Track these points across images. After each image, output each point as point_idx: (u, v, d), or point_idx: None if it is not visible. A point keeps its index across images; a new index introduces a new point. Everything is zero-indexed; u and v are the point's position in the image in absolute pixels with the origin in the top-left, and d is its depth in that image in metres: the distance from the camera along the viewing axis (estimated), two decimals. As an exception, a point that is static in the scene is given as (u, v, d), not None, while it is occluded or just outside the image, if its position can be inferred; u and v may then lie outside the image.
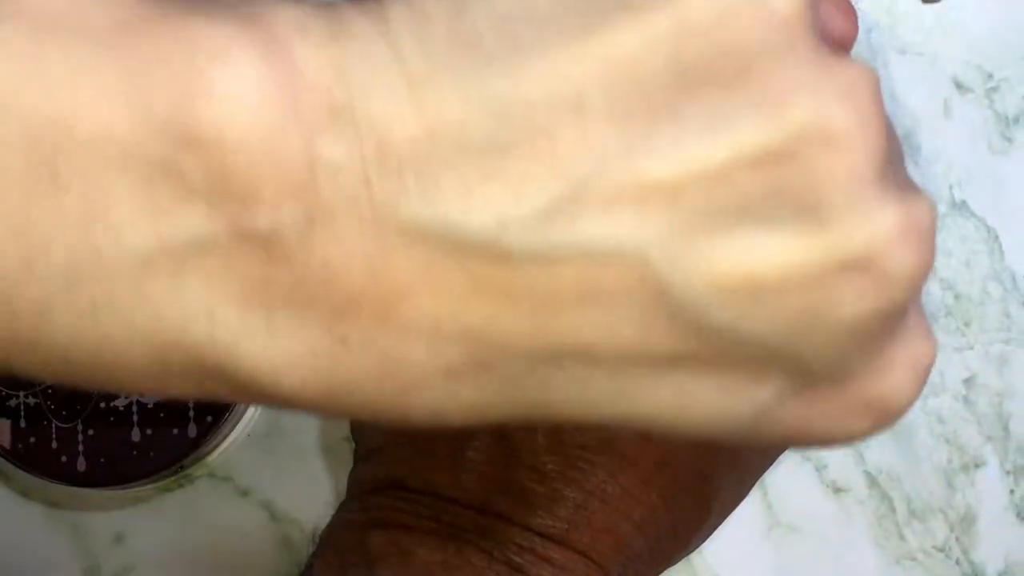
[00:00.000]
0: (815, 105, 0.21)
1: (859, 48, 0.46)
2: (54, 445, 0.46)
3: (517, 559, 0.38)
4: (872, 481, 0.47)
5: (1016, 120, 0.48)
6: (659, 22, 0.20)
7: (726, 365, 0.22)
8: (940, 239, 0.47)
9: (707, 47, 0.21)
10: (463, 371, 0.21)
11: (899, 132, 0.47)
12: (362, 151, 0.20)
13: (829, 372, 0.23)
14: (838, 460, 0.47)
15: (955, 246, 0.48)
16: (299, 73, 0.20)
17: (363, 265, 0.20)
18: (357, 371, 0.21)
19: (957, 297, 0.48)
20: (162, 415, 0.45)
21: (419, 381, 0.21)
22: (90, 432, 0.46)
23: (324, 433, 0.48)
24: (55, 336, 0.20)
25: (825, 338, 0.22)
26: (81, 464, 0.46)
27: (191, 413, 0.45)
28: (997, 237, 0.48)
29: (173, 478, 0.47)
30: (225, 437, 0.47)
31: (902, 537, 0.48)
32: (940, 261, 0.47)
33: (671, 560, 0.42)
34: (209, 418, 0.46)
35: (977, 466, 0.48)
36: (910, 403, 0.24)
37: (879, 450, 0.47)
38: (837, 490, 0.47)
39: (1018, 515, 0.48)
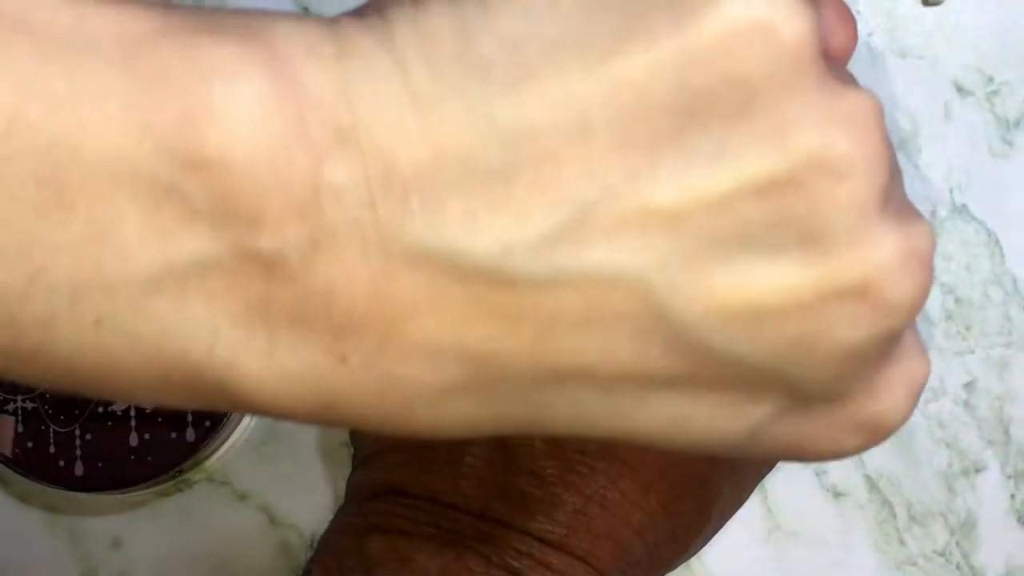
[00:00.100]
0: (819, 135, 0.21)
1: (859, 52, 0.46)
2: (52, 449, 0.46)
3: (516, 564, 0.38)
4: (872, 485, 0.47)
5: (1017, 124, 0.48)
6: (666, 48, 0.20)
7: (723, 386, 0.22)
8: (940, 243, 0.47)
9: (714, 75, 0.20)
10: (463, 390, 0.21)
11: (899, 136, 0.47)
12: (367, 174, 0.20)
13: (824, 394, 0.23)
14: (838, 464, 0.47)
15: (955, 250, 0.47)
16: (305, 94, 0.20)
17: (366, 287, 0.20)
18: (357, 388, 0.21)
19: (958, 301, 0.47)
20: (160, 419, 0.45)
21: (419, 398, 0.21)
22: (88, 436, 0.46)
23: (323, 438, 0.48)
24: (58, 348, 0.20)
25: (822, 362, 0.22)
26: (79, 468, 0.46)
27: (189, 418, 0.45)
28: (998, 241, 0.48)
29: (171, 483, 0.47)
30: (223, 442, 0.47)
31: (902, 542, 0.47)
32: (940, 265, 0.47)
33: (671, 565, 0.41)
34: (207, 423, 0.45)
35: (978, 470, 0.48)
36: (903, 421, 0.24)
37: (879, 454, 0.47)
38: (837, 494, 0.47)
39: (1019, 520, 0.48)
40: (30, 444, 0.46)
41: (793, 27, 0.21)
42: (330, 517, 0.42)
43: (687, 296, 0.21)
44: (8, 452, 0.46)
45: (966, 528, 0.47)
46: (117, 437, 0.46)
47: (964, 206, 0.48)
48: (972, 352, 0.48)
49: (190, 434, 0.46)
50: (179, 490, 0.48)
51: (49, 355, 0.20)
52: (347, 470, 0.43)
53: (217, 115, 0.20)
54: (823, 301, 0.21)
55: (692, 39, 0.20)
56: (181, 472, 0.46)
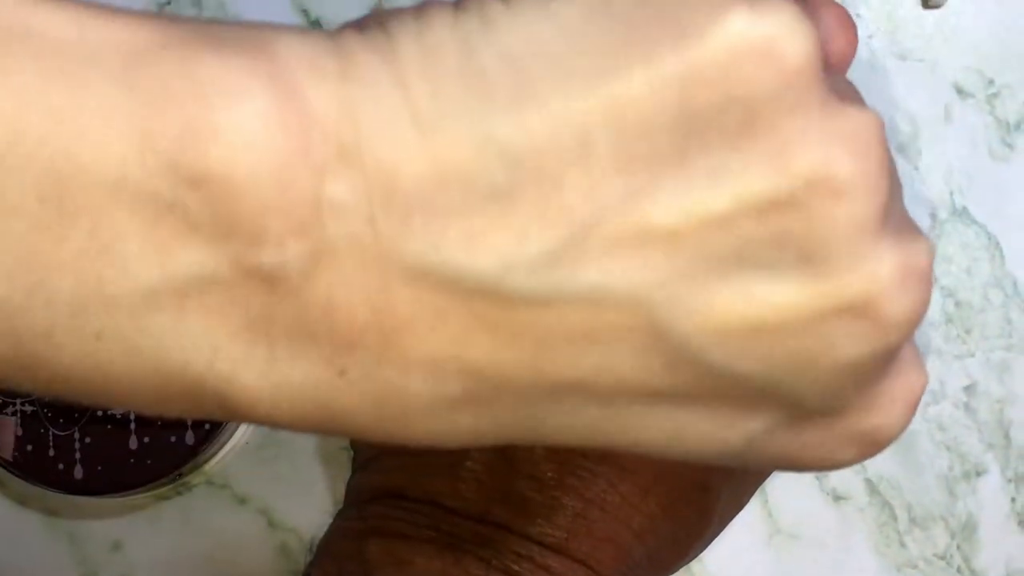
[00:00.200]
0: (820, 155, 0.21)
1: (860, 54, 0.46)
2: (51, 453, 0.46)
3: (516, 568, 0.38)
4: (873, 489, 0.47)
5: (1017, 126, 0.48)
6: (668, 67, 0.20)
7: (720, 399, 0.22)
8: (941, 246, 0.47)
9: (716, 94, 0.20)
10: (462, 403, 0.22)
11: (900, 138, 0.47)
12: (369, 192, 0.20)
13: (822, 408, 0.23)
14: (839, 467, 0.47)
15: (956, 253, 0.47)
16: (307, 110, 0.20)
17: (365, 302, 0.20)
18: (355, 401, 0.21)
19: (958, 304, 0.47)
20: (160, 423, 0.45)
21: (418, 411, 0.21)
22: (87, 440, 0.46)
23: (322, 442, 0.48)
24: (58, 359, 0.20)
25: (820, 378, 0.22)
26: (79, 472, 0.46)
27: (189, 421, 0.45)
28: (998, 243, 0.48)
29: (171, 486, 0.47)
30: (223, 445, 0.47)
31: (903, 545, 0.47)
32: (941, 268, 0.47)
33: (670, 569, 0.41)
34: (207, 426, 0.45)
35: (978, 474, 0.48)
36: (900, 433, 0.24)
37: (880, 458, 0.47)
38: (838, 498, 0.47)
39: (1019, 523, 0.47)
40: (29, 447, 0.46)
41: (796, 46, 0.21)
42: (329, 520, 0.42)
43: (686, 313, 0.21)
44: (8, 455, 0.46)
45: (967, 531, 0.47)
46: (117, 440, 0.46)
47: (964, 209, 0.48)
48: (972, 355, 0.47)
49: (189, 437, 0.46)
50: (179, 493, 0.48)
51: (49, 366, 0.20)
52: (346, 473, 0.43)
53: (219, 131, 0.20)
54: (822, 318, 0.21)
55: (695, 58, 0.20)
56: (181, 475, 0.46)
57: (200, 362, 0.20)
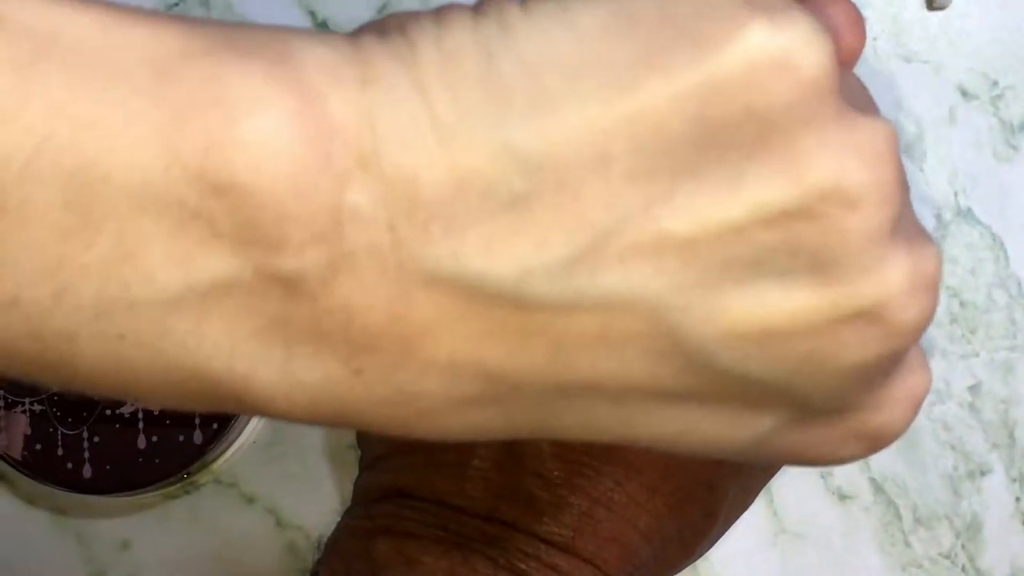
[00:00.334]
0: (835, 167, 0.21)
1: (864, 56, 0.46)
2: (60, 452, 0.46)
3: (522, 566, 0.38)
4: (878, 488, 0.47)
5: (1021, 127, 0.48)
6: (686, 81, 0.21)
7: (729, 399, 0.23)
8: (946, 247, 0.47)
9: (733, 107, 0.21)
10: (477, 403, 0.22)
11: (904, 140, 0.47)
12: (388, 200, 0.20)
13: (828, 408, 0.23)
14: (843, 467, 0.47)
15: (960, 253, 0.47)
16: (329, 120, 0.20)
17: (384, 308, 0.21)
18: (371, 400, 0.22)
19: (962, 304, 0.48)
20: (168, 422, 0.45)
21: (431, 410, 0.22)
22: (96, 439, 0.46)
23: (330, 440, 0.48)
24: (81, 359, 0.21)
25: (828, 379, 0.22)
26: (87, 471, 0.46)
27: (197, 420, 0.45)
28: (1002, 244, 0.48)
29: (179, 485, 0.47)
30: (231, 444, 0.47)
31: (908, 544, 0.47)
32: (946, 268, 0.47)
33: (676, 568, 0.41)
34: (215, 425, 0.46)
35: (983, 473, 0.48)
36: (903, 432, 0.25)
37: (884, 457, 0.47)
38: (843, 497, 0.47)
39: (1024, 522, 0.48)
40: (38, 446, 0.46)
41: (813, 59, 0.21)
42: (337, 519, 0.42)
43: (700, 319, 0.21)
44: (17, 454, 0.46)
45: (971, 531, 0.47)
46: (125, 439, 0.46)
47: (969, 210, 0.48)
48: (977, 355, 0.48)
49: (198, 436, 0.46)
50: (187, 492, 0.48)
51: (72, 365, 0.21)
52: (354, 472, 0.43)
53: (243, 141, 0.20)
54: (833, 324, 0.22)
55: (713, 72, 0.20)
56: (189, 474, 0.46)
57: (219, 362, 0.21)
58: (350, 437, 0.47)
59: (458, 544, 0.38)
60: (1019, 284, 0.48)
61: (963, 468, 0.47)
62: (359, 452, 0.44)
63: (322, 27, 0.47)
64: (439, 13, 0.21)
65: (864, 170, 0.21)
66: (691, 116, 0.21)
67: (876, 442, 0.25)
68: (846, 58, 0.25)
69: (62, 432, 0.46)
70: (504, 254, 0.21)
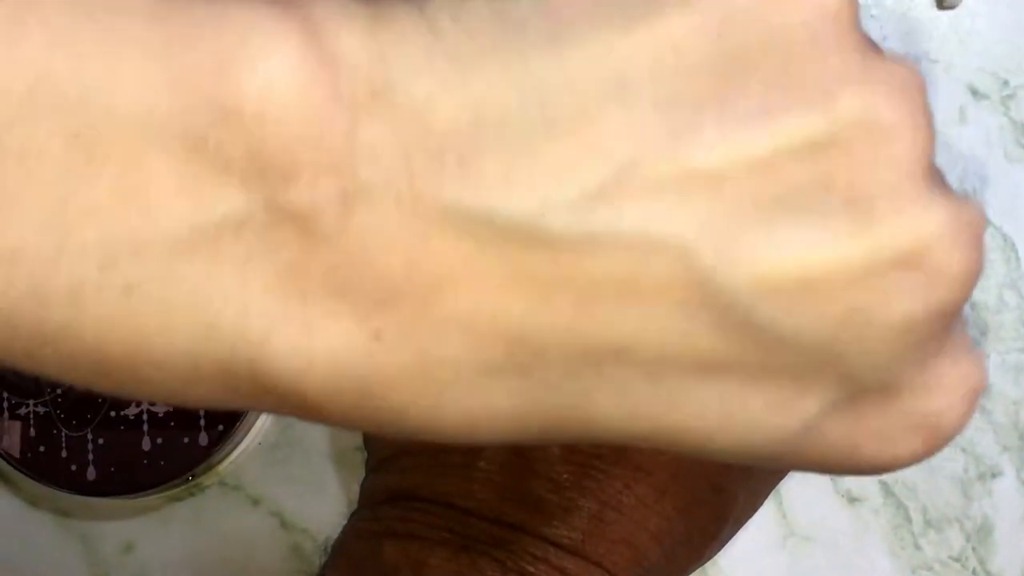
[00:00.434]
0: (864, 98, 0.21)
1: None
2: (64, 454, 0.46)
3: (531, 569, 0.38)
4: (887, 490, 0.47)
5: (1032, 127, 0.48)
6: (706, 9, 0.20)
7: (772, 373, 0.21)
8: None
9: (754, 37, 0.20)
10: (500, 371, 0.21)
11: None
12: (403, 131, 0.20)
13: (878, 380, 0.22)
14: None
15: (971, 254, 0.47)
16: (339, 54, 0.20)
17: (401, 251, 0.20)
18: (391, 370, 0.20)
19: (973, 306, 0.47)
20: (173, 423, 0.45)
21: (455, 382, 0.21)
22: (100, 441, 0.46)
23: (336, 442, 0.47)
24: (86, 327, 0.20)
25: (874, 340, 0.21)
26: (91, 473, 0.46)
27: (202, 422, 0.45)
28: (1013, 245, 0.48)
29: (183, 487, 0.47)
30: (236, 446, 0.47)
31: (918, 547, 0.47)
32: (956, 269, 0.47)
33: (686, 570, 0.41)
34: (220, 427, 0.45)
35: (994, 476, 0.47)
36: (960, 426, 0.23)
37: (894, 459, 0.47)
38: (852, 499, 0.47)
39: (1035, 525, 0.47)
40: (42, 448, 0.46)
41: None
42: (343, 522, 0.42)
43: (731, 263, 0.20)
44: (19, 455, 0.46)
45: (982, 533, 0.47)
46: (129, 441, 0.46)
47: (979, 210, 0.48)
48: (987, 357, 0.47)
49: (202, 438, 0.46)
50: (191, 495, 0.48)
51: (76, 334, 0.20)
52: (360, 474, 0.43)
53: (251, 65, 0.19)
54: (873, 268, 0.21)
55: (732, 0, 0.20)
56: (193, 476, 0.46)
57: (232, 320, 0.20)
58: (356, 439, 0.47)
59: (465, 547, 0.38)
60: (1030, 285, 0.48)
61: (974, 470, 0.47)
62: (365, 454, 0.44)
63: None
64: None
65: (894, 105, 0.21)
66: (712, 44, 0.20)
67: (934, 435, 0.23)
68: None
69: (66, 434, 0.46)
70: (523, 186, 0.20)
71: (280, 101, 0.19)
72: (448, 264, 0.20)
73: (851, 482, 0.47)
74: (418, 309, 0.20)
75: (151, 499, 0.47)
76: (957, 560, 0.47)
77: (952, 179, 0.47)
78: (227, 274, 0.20)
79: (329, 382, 0.20)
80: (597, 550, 0.38)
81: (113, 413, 0.45)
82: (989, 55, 0.48)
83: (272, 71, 0.19)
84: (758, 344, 0.21)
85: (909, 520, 0.47)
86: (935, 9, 0.48)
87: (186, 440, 0.45)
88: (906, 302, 0.21)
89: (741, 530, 0.43)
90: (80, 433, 0.46)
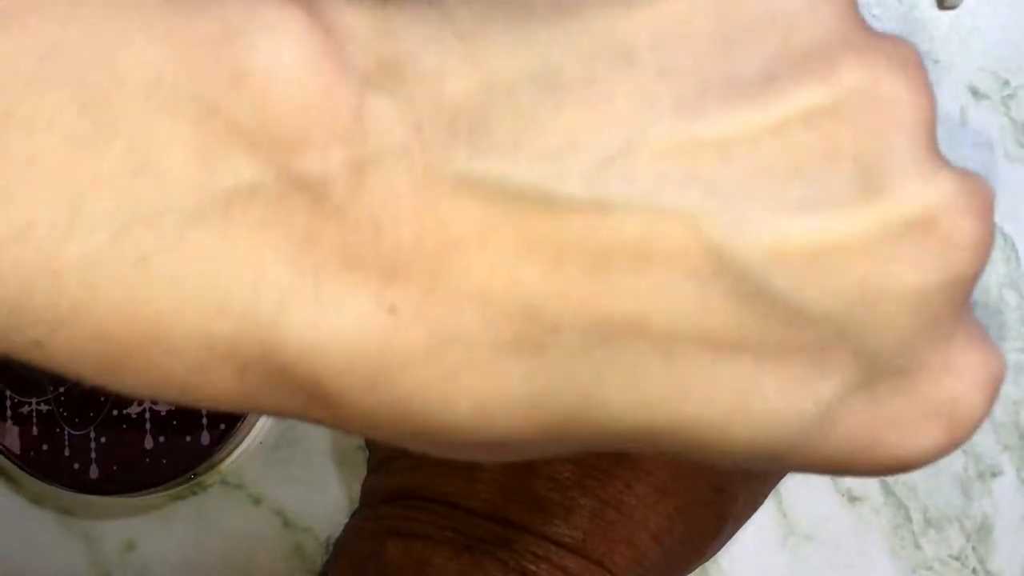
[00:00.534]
0: (865, 69, 0.21)
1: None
2: (66, 452, 0.46)
3: (532, 568, 0.38)
4: (888, 490, 0.47)
5: (1033, 127, 0.48)
6: None
7: (786, 352, 0.21)
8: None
9: (755, 12, 0.21)
10: (514, 350, 0.20)
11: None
12: (412, 102, 0.20)
13: (894, 358, 0.22)
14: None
15: (971, 254, 0.47)
16: (345, 29, 0.20)
17: (413, 219, 0.20)
18: (406, 348, 0.20)
19: (973, 305, 0.47)
20: (175, 422, 0.45)
21: (469, 362, 0.20)
22: (102, 439, 0.46)
23: (337, 442, 0.48)
24: (99, 306, 0.19)
25: (888, 310, 0.21)
26: (93, 471, 0.46)
27: (204, 420, 0.45)
28: (1013, 245, 0.48)
29: (186, 486, 0.47)
30: (238, 445, 0.47)
31: (918, 546, 0.47)
32: (956, 269, 0.47)
33: (686, 570, 0.41)
34: (222, 426, 0.45)
35: (994, 475, 0.47)
36: (980, 415, 0.23)
37: (895, 459, 0.47)
38: (853, 499, 0.47)
39: (1034, 524, 0.48)
40: (45, 446, 0.46)
41: None
42: (345, 521, 0.42)
43: (741, 231, 0.20)
44: (21, 453, 0.46)
45: (982, 532, 0.47)
46: (132, 440, 0.46)
47: (980, 210, 0.48)
48: (988, 356, 0.47)
49: (205, 437, 0.46)
50: (193, 493, 0.48)
51: (89, 314, 0.19)
52: (362, 473, 0.43)
53: (258, 35, 0.19)
54: (883, 237, 0.21)
55: None
56: (195, 475, 0.46)
57: (245, 294, 0.20)
58: (357, 439, 0.47)
59: (468, 546, 0.38)
60: (1030, 285, 0.48)
61: (974, 469, 0.47)
62: (367, 453, 0.44)
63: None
64: None
65: (894, 74, 0.21)
66: (713, 19, 0.21)
67: (952, 422, 0.23)
68: None
69: (69, 432, 0.46)
70: (534, 152, 0.20)
71: (288, 71, 0.19)
72: (460, 230, 0.20)
73: (851, 481, 0.47)
74: (431, 280, 0.20)
75: (153, 498, 0.47)
76: (957, 559, 0.47)
77: (953, 179, 0.47)
78: (239, 244, 0.20)
79: (342, 361, 0.20)
80: (598, 549, 0.38)
81: (116, 412, 0.45)
82: (990, 55, 0.48)
83: (279, 41, 0.19)
84: (771, 317, 0.21)
85: (909, 519, 0.47)
86: (936, 9, 0.48)
87: (188, 439, 0.46)
88: (918, 270, 0.21)
89: (741, 529, 0.43)
90: (83, 432, 0.46)
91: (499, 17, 0.21)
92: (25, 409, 0.46)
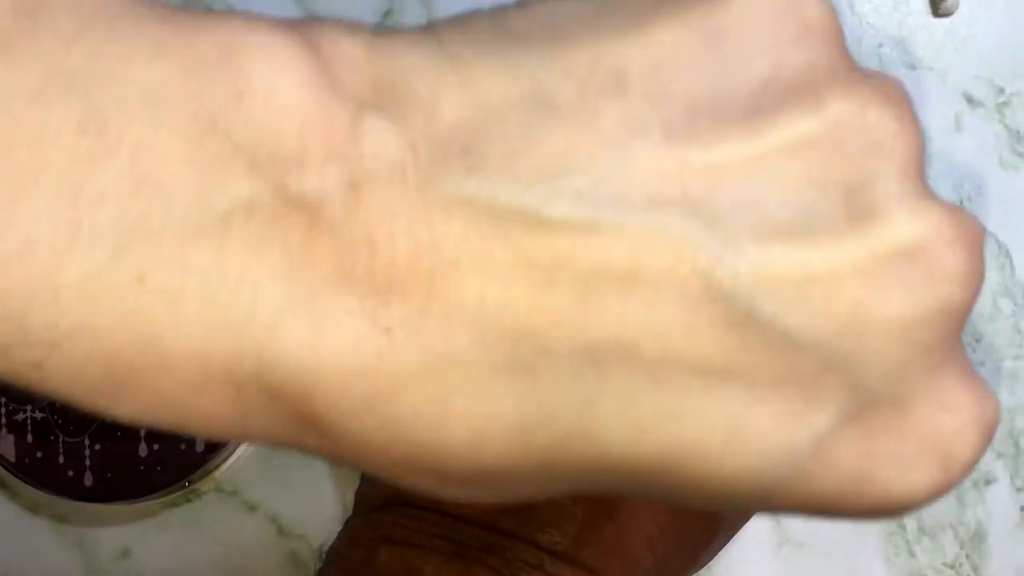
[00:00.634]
0: (853, 101, 0.21)
1: (870, 63, 0.46)
2: (61, 460, 0.46)
3: (524, 576, 0.38)
4: (882, 497, 0.47)
5: (1027, 135, 0.48)
6: (695, 19, 0.21)
7: (778, 382, 0.21)
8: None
9: (743, 43, 0.21)
10: (506, 372, 0.20)
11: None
12: (406, 122, 0.20)
13: (886, 389, 0.22)
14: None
15: (965, 261, 0.47)
16: (340, 52, 0.20)
17: (407, 237, 0.20)
18: (401, 369, 0.20)
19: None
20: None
21: (462, 384, 0.20)
22: (97, 447, 0.46)
23: (331, 448, 0.48)
24: (99, 323, 0.19)
25: (877, 339, 0.21)
26: (88, 479, 0.46)
27: (198, 428, 0.45)
28: (1008, 252, 0.48)
29: (180, 493, 0.47)
30: (232, 452, 0.47)
31: (912, 554, 0.47)
32: (950, 276, 0.47)
33: (679, 578, 0.41)
34: (216, 433, 0.45)
35: (987, 482, 0.47)
36: (975, 455, 0.22)
37: (889, 466, 0.47)
38: (847, 506, 0.47)
39: (1029, 532, 0.47)
40: (39, 454, 0.46)
41: (818, 7, 0.22)
42: (339, 528, 0.42)
43: (730, 255, 0.20)
44: (16, 461, 0.46)
45: (976, 540, 0.47)
46: (126, 448, 0.46)
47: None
48: (982, 364, 0.47)
49: (199, 444, 0.46)
50: (188, 500, 0.48)
51: (89, 332, 0.19)
52: (355, 481, 0.43)
53: (255, 55, 0.20)
54: (874, 265, 0.21)
55: (719, 12, 0.21)
56: (190, 483, 0.46)
57: (241, 313, 0.20)
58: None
59: (459, 553, 0.38)
60: (1024, 292, 0.48)
61: (967, 477, 0.47)
62: (361, 460, 0.44)
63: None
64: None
65: (882, 105, 0.21)
66: (701, 49, 0.21)
67: (946, 460, 0.22)
68: None
69: (63, 440, 0.46)
70: (525, 172, 0.20)
71: (284, 90, 0.20)
72: (453, 249, 0.20)
73: (846, 489, 0.47)
74: (425, 299, 0.20)
75: (148, 505, 0.47)
76: (951, 567, 0.47)
77: (947, 186, 0.47)
78: (236, 260, 0.20)
79: (337, 382, 0.20)
80: (590, 556, 0.38)
81: (110, 419, 0.45)
82: (984, 62, 0.48)
83: (276, 62, 0.20)
84: (761, 344, 0.21)
85: (903, 527, 0.47)
86: (931, 16, 0.48)
87: (183, 446, 0.46)
88: (907, 299, 0.21)
89: (735, 537, 0.43)
90: (77, 439, 0.46)
91: (492, 43, 0.21)
92: (20, 416, 0.46)
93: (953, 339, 0.22)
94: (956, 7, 0.48)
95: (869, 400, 0.22)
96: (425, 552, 0.38)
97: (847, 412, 0.22)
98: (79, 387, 0.20)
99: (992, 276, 0.48)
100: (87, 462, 0.46)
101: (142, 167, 0.19)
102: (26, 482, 0.46)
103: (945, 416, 0.22)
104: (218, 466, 0.47)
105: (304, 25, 0.21)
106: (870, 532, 0.47)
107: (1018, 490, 0.47)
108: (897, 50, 0.47)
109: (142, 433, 0.45)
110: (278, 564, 0.48)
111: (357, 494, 0.42)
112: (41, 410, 0.46)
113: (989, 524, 0.47)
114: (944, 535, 0.47)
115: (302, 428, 0.21)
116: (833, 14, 0.22)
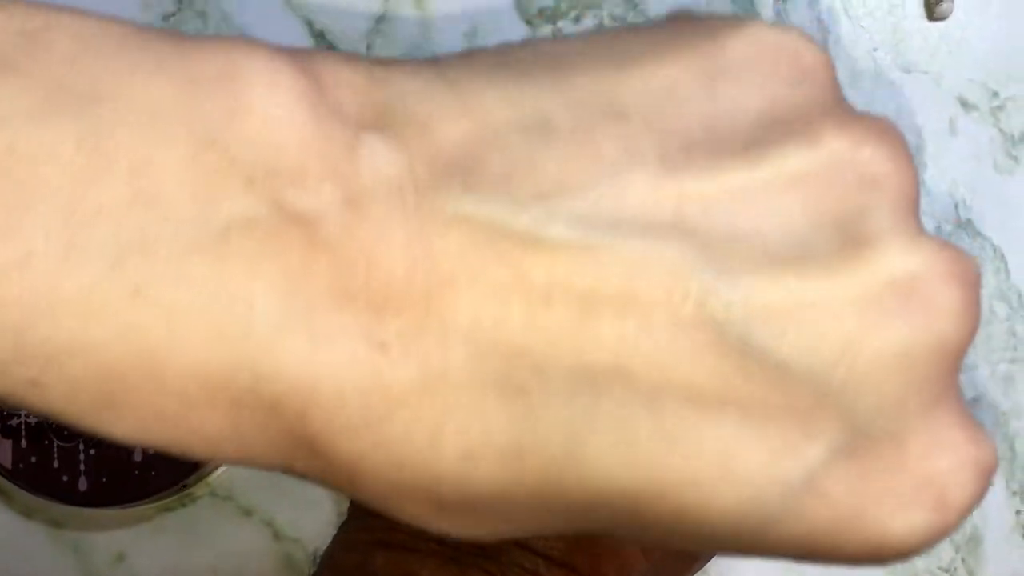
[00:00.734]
0: (847, 139, 0.21)
1: (865, 67, 0.46)
2: (56, 464, 0.46)
3: (520, 580, 0.38)
4: (877, 501, 0.47)
5: (1022, 139, 0.48)
6: (696, 57, 0.22)
7: (772, 414, 0.21)
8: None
9: (741, 83, 0.21)
10: (501, 391, 0.20)
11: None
12: (405, 142, 0.20)
13: (880, 421, 0.21)
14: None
15: (961, 265, 0.47)
16: (339, 77, 0.20)
17: (404, 255, 0.20)
18: (395, 388, 0.20)
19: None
20: (164, 434, 0.45)
21: (456, 403, 0.20)
22: (92, 451, 0.46)
23: (327, 453, 0.48)
24: (95, 338, 0.19)
25: (871, 372, 0.21)
26: (83, 484, 0.46)
27: (193, 432, 0.45)
28: (1003, 256, 0.48)
29: (175, 497, 0.47)
30: (227, 456, 0.47)
31: (908, 558, 0.47)
32: (945, 280, 0.47)
33: (675, 582, 0.42)
34: (211, 437, 0.45)
35: (983, 487, 0.48)
36: (972, 499, 0.22)
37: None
38: (842, 510, 0.47)
39: (1024, 536, 0.47)
40: (34, 459, 0.46)
41: (813, 50, 0.22)
42: (333, 532, 0.42)
43: (724, 282, 0.20)
44: (11, 467, 0.46)
45: (971, 544, 0.47)
46: (121, 452, 0.46)
47: (969, 221, 0.48)
48: (977, 367, 0.47)
49: (194, 449, 0.46)
50: (183, 505, 0.48)
51: (85, 348, 0.19)
52: (351, 485, 0.43)
53: (257, 72, 0.20)
54: (867, 297, 0.21)
55: (716, 52, 0.22)
56: (185, 487, 0.46)
57: (238, 328, 0.20)
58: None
59: (455, 558, 0.38)
60: (1019, 296, 0.48)
61: (964, 521, 0.47)
62: (356, 465, 0.44)
63: (319, 37, 0.47)
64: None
65: (875, 142, 0.22)
66: (702, 79, 0.21)
67: (944, 502, 0.22)
68: None
69: (58, 445, 0.46)
70: (523, 191, 0.20)
71: (283, 108, 0.20)
72: (450, 267, 0.20)
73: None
74: (421, 316, 0.20)
75: (143, 509, 0.47)
76: (947, 571, 0.47)
77: (942, 190, 0.47)
78: (233, 275, 0.20)
79: (332, 399, 0.20)
80: (585, 561, 0.38)
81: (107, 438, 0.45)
82: (979, 66, 0.48)
83: (275, 82, 0.20)
84: (754, 373, 0.21)
85: (899, 531, 0.47)
86: (926, 20, 0.48)
87: (178, 451, 0.46)
88: (900, 331, 0.21)
89: (731, 541, 0.43)
90: (72, 444, 0.46)
91: (493, 72, 0.21)
92: (14, 422, 0.46)
93: (948, 378, 0.22)
94: (951, 11, 0.48)
95: (863, 434, 0.22)
96: (421, 556, 0.38)
97: (840, 446, 0.21)
98: (76, 405, 0.20)
99: (988, 280, 0.48)
100: (82, 467, 0.46)
101: (139, 183, 0.19)
102: (21, 487, 0.46)
103: (940, 454, 0.22)
104: (213, 470, 0.47)
105: (304, 53, 0.21)
106: (866, 536, 0.47)
107: (1013, 494, 0.47)
108: (892, 54, 0.48)
109: (137, 438, 0.45)
110: (273, 568, 0.48)
111: (352, 498, 0.42)
112: (36, 415, 0.46)
113: (985, 528, 0.47)
114: (939, 539, 0.47)
115: (296, 448, 0.21)
116: (827, 58, 0.22)
